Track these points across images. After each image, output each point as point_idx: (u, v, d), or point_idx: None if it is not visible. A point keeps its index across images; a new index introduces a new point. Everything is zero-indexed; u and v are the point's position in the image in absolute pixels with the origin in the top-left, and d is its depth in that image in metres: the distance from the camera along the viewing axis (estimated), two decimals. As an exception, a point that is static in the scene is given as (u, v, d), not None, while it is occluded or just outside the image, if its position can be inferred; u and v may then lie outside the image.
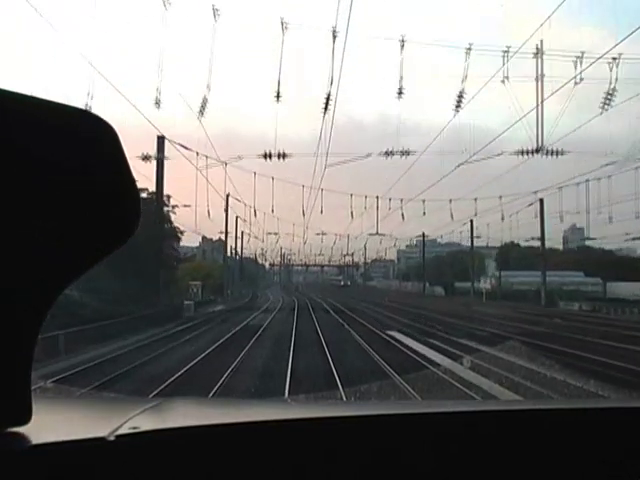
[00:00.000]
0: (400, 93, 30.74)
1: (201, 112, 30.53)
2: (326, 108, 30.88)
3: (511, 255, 77.13)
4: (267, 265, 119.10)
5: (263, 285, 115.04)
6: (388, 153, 34.05)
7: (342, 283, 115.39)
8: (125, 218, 0.89)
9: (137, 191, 0.90)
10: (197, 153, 34.49)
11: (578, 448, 1.27)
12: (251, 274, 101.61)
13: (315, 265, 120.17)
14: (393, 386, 12.31)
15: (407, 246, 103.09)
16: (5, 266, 0.84)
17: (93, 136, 0.86)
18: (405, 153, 33.67)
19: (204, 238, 66.66)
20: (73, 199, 0.85)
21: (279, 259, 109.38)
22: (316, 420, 1.27)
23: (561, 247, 79.65)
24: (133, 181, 0.89)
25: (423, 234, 77.67)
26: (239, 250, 77.56)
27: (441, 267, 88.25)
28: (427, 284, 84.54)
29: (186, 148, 34.13)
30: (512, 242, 75.48)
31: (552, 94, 27.42)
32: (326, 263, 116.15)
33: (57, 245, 0.86)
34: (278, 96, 29.66)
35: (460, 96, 30.17)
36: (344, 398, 10.28)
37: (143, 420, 1.13)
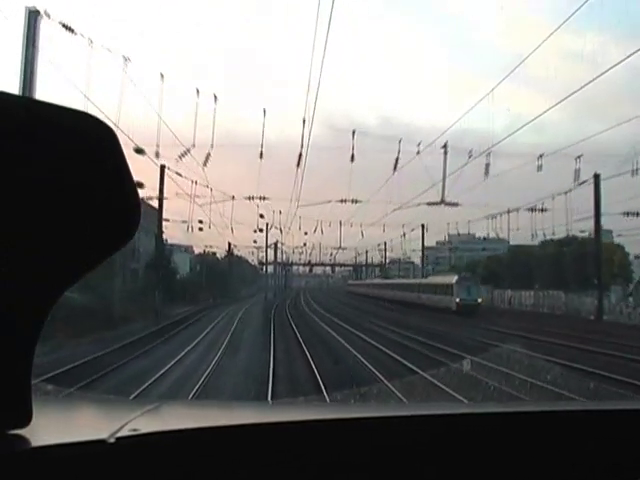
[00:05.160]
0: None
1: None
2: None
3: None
4: (258, 265, 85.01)
5: (248, 292, 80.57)
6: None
7: (457, 301, 43.64)
8: (125, 220, 0.89)
9: (137, 193, 0.90)
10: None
11: (578, 450, 1.28)
12: (225, 276, 66.70)
13: (323, 264, 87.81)
14: None
15: (438, 242, 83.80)
16: (5, 269, 0.84)
17: (93, 138, 0.86)
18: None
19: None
20: (73, 201, 0.85)
21: (273, 257, 75.35)
22: (316, 422, 1.29)
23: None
24: (133, 183, 0.89)
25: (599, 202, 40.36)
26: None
27: (529, 265, 53.42)
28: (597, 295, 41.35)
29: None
30: None
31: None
32: (332, 263, 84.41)
33: (57, 247, 0.87)
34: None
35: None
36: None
37: (143, 422, 1.14)
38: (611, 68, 26.19)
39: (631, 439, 1.29)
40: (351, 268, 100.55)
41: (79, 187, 0.84)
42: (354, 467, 1.19)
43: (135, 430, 1.06)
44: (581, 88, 27.17)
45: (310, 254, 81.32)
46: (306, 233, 63.48)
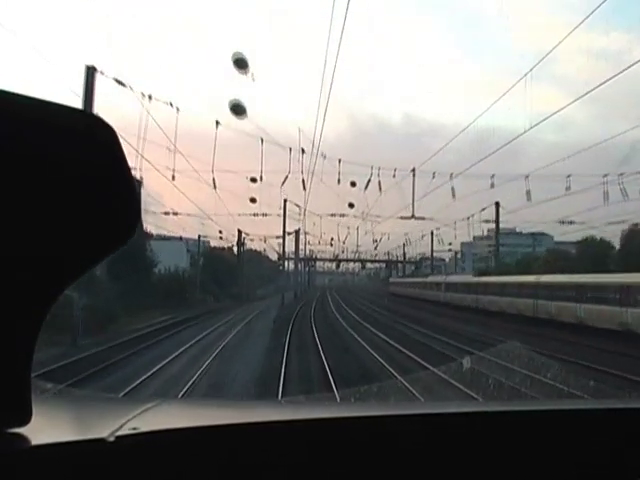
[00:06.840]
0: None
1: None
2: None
3: None
4: (278, 261, 75.04)
5: (265, 292, 70.45)
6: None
7: None
8: (125, 219, 0.90)
9: (136, 192, 0.91)
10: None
11: (580, 449, 1.29)
12: (232, 273, 56.41)
13: (354, 260, 77.64)
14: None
15: (475, 238, 73.93)
16: (5, 267, 0.85)
17: (92, 136, 0.87)
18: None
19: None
20: (72, 200, 0.86)
21: (294, 250, 65.09)
22: (315, 421, 1.28)
23: None
24: (132, 182, 0.90)
25: None
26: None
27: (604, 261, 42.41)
28: None
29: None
30: None
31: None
32: (362, 259, 74.11)
33: (57, 246, 0.88)
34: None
35: None
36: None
37: (143, 421, 1.14)
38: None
39: (634, 438, 1.30)
40: (383, 264, 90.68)
41: (78, 186, 0.84)
42: (356, 466, 1.18)
43: (135, 429, 1.06)
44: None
45: (345, 242, 69.91)
46: (351, 205, 46.14)
